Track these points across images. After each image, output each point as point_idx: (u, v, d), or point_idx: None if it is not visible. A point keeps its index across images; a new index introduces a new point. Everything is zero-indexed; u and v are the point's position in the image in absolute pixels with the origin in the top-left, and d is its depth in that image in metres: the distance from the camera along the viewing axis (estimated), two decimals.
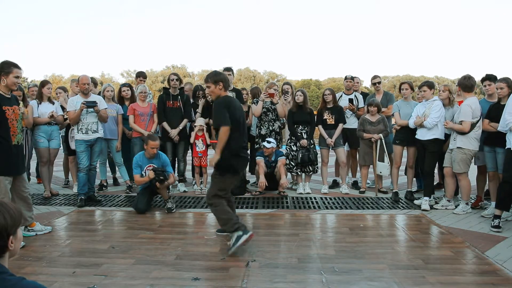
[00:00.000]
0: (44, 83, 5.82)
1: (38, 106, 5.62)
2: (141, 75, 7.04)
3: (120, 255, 3.45)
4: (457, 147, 4.77)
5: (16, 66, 3.66)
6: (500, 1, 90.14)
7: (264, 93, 6.02)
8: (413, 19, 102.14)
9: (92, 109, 5.19)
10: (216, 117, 3.56)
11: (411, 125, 5.30)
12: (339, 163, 6.26)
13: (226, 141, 3.46)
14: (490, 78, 4.83)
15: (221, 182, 3.59)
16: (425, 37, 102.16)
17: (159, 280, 2.92)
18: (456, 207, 4.96)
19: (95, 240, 3.87)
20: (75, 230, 4.25)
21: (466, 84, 4.82)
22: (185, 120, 6.06)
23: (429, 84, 5.31)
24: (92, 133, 5.29)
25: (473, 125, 4.68)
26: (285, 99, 6.15)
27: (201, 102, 6.21)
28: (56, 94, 6.77)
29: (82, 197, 5.25)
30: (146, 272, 3.06)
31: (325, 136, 6.02)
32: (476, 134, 4.72)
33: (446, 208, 5.00)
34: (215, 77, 3.58)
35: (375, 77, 6.54)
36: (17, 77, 3.66)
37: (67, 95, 6.61)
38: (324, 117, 6.06)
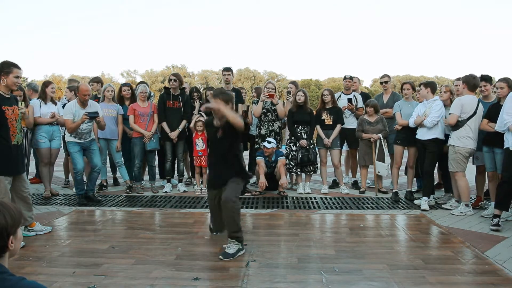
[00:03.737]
0: (47, 83, 5.82)
1: (40, 106, 5.62)
2: (98, 81, 6.85)
3: (120, 255, 3.45)
4: (449, 145, 4.78)
5: (16, 66, 3.66)
6: (500, 1, 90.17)
7: (263, 94, 6.03)
8: (413, 19, 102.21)
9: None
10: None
11: (411, 124, 5.30)
12: (332, 164, 6.25)
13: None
14: (485, 79, 4.82)
15: (239, 188, 3.61)
16: (425, 37, 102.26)
17: (159, 280, 2.92)
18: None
19: (95, 240, 3.87)
20: (75, 230, 4.25)
21: (474, 83, 4.75)
22: (184, 121, 6.06)
23: (425, 83, 5.31)
24: (85, 139, 5.28)
25: (462, 121, 4.66)
26: (287, 99, 6.16)
27: (197, 104, 6.21)
28: (65, 93, 6.72)
29: (81, 193, 5.30)
30: (146, 272, 3.06)
31: (323, 136, 6.02)
32: (467, 132, 4.68)
33: (455, 209, 4.94)
34: (224, 96, 3.50)
35: (383, 76, 6.52)
36: (17, 77, 3.66)
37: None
38: (322, 117, 6.06)
